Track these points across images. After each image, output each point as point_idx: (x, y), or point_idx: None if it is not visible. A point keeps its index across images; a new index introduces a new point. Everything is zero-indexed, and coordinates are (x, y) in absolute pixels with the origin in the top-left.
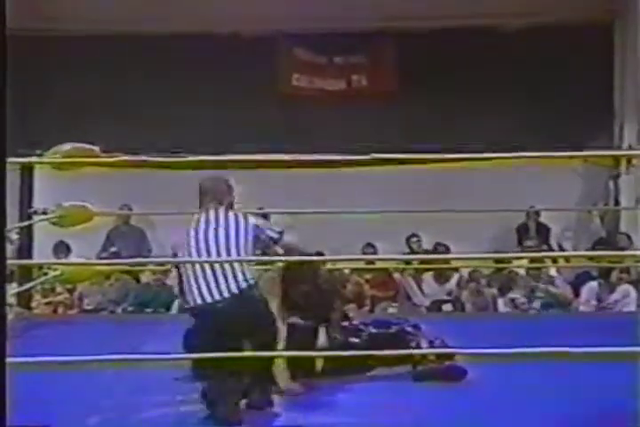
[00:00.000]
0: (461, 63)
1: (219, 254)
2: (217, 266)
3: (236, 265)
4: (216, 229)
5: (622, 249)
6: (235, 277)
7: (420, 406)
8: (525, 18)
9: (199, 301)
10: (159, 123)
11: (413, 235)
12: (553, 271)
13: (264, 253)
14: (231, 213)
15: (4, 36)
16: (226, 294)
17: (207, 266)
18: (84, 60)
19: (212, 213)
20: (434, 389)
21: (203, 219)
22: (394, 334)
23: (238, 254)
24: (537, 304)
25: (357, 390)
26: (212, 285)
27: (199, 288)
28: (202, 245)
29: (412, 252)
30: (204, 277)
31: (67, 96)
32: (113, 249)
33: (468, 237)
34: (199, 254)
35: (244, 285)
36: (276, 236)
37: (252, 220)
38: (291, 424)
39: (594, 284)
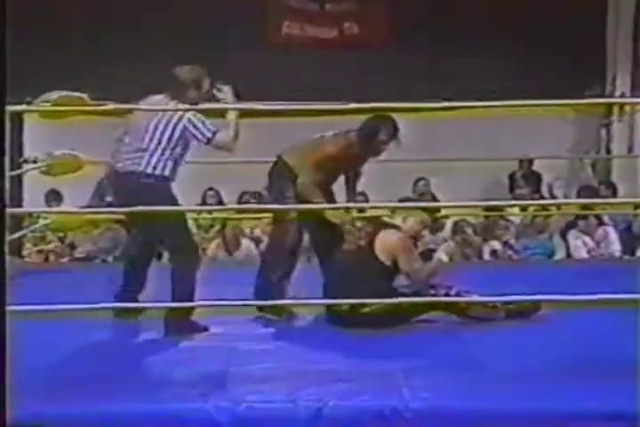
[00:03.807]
0: (453, 10)
1: (147, 143)
2: (146, 148)
3: (160, 157)
4: (156, 121)
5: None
6: (156, 163)
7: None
8: None
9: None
10: (145, 68)
11: (421, 178)
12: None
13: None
14: (172, 106)
15: (4, 34)
16: (139, 169)
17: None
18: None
19: (156, 103)
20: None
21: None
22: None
23: (156, 148)
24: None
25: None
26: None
27: (124, 159)
28: (141, 132)
29: (419, 196)
30: (134, 151)
31: (54, 40)
32: (108, 199)
33: (460, 186)
34: (135, 139)
35: (157, 172)
36: (208, 134)
37: (186, 117)
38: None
39: (576, 230)
